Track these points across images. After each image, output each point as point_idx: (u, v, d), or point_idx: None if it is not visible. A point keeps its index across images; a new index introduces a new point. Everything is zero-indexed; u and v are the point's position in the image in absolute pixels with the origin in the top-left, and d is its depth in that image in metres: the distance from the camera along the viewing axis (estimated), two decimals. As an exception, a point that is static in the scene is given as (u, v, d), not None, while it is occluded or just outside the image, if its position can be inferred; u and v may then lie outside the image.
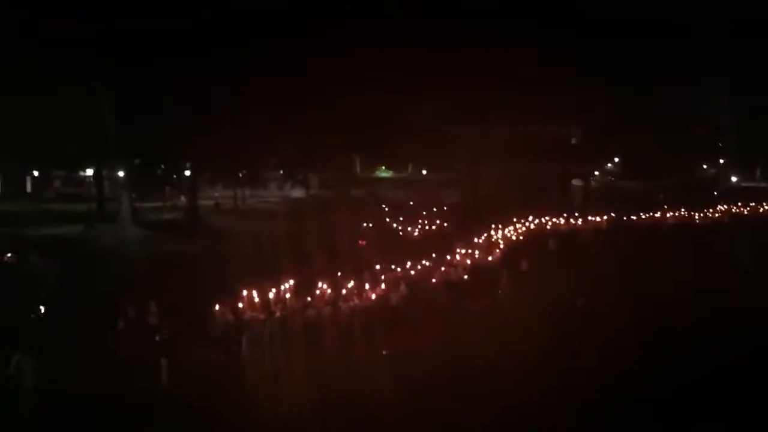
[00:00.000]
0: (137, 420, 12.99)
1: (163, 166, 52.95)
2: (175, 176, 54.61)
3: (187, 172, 50.82)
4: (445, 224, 41.96)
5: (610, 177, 72.26)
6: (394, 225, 41.67)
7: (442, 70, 51.77)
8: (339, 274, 20.35)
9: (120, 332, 16.25)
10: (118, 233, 40.25)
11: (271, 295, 17.86)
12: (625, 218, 44.64)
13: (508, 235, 34.88)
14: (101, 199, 48.10)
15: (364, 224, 39.94)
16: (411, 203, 51.82)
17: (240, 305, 17.06)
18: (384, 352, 16.84)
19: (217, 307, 16.70)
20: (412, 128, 53.67)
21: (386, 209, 47.55)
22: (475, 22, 52.49)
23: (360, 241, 34.61)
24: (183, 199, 52.55)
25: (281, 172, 62.91)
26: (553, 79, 51.43)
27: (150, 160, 48.66)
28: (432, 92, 52.35)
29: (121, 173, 45.50)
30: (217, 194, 59.19)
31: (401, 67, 50.11)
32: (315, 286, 18.95)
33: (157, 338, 15.62)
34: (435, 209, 47.68)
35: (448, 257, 25.80)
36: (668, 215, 47.44)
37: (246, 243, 32.10)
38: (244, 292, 17.39)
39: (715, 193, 63.30)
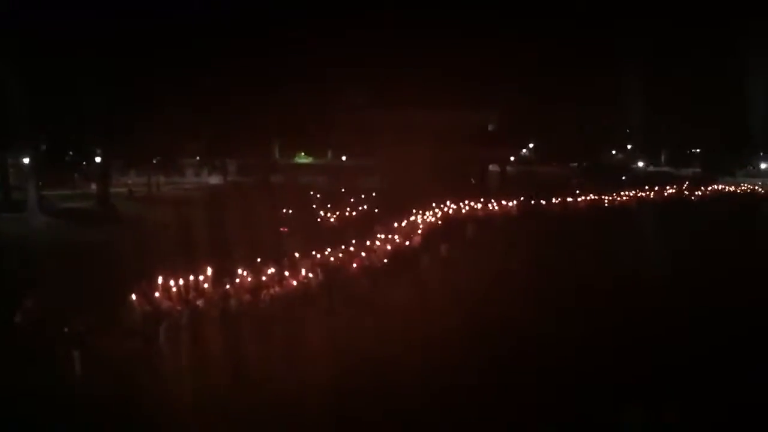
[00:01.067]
0: (46, 414, 12.53)
1: (71, 153, 50.86)
2: (84, 163, 52.58)
3: (98, 159, 49.00)
4: (366, 209, 41.95)
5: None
6: (319, 212, 41.14)
7: (360, 55, 51.81)
8: (258, 261, 20.13)
9: (20, 324, 15.56)
10: (25, 222, 38.62)
11: (185, 284, 17.52)
12: (535, 203, 46.02)
13: (427, 220, 35.31)
14: (6, 187, 45.87)
15: (285, 210, 39.48)
16: (342, 190, 50.79)
17: (156, 294, 16.65)
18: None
19: (133, 296, 16.25)
20: (332, 114, 53.54)
21: (317, 196, 46.71)
22: (393, 8, 52.72)
23: (282, 228, 34.21)
24: (94, 186, 50.71)
25: (198, 158, 61.57)
26: (470, 66, 52.34)
27: (57, 146, 46.66)
28: (351, 78, 52.38)
29: (26, 160, 43.52)
30: (130, 181, 57.41)
31: (320, 53, 49.84)
32: (233, 274, 18.70)
33: (66, 330, 15.05)
34: (362, 196, 47.43)
35: (368, 243, 25.89)
36: (579, 199, 49.21)
37: (160, 231, 31.30)
38: (160, 281, 16.98)
39: (623, 177, 66.05)
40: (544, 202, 46.64)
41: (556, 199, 47.71)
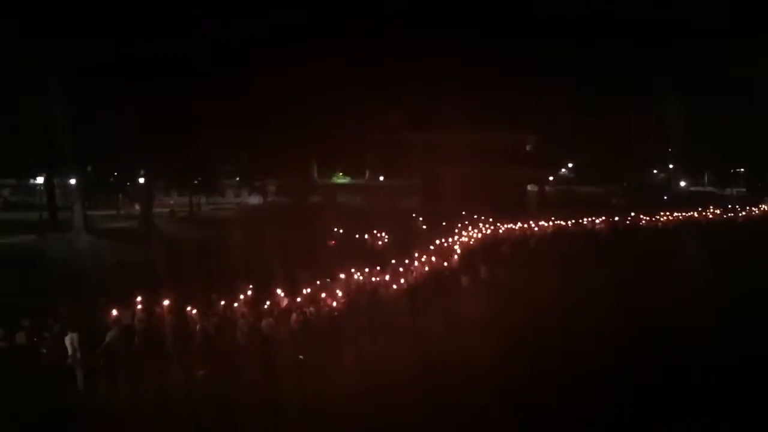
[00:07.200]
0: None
1: (116, 174, 51.99)
2: (128, 184, 53.64)
3: (141, 180, 49.97)
4: (406, 230, 41.67)
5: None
6: (360, 233, 40.78)
7: (400, 76, 52.17)
8: (295, 282, 20.33)
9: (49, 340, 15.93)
10: (71, 242, 39.39)
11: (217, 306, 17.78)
12: (573, 224, 45.48)
13: (466, 240, 35.24)
14: (53, 207, 46.86)
15: (334, 229, 39.55)
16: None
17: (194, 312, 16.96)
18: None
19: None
20: (370, 134, 53.85)
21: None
22: (432, 30, 53.02)
23: (330, 242, 34.77)
24: (137, 207, 51.66)
25: (237, 179, 62.42)
26: (508, 87, 52.27)
27: (103, 167, 47.75)
28: (390, 98, 52.69)
29: (73, 181, 44.53)
30: (172, 202, 58.38)
31: (359, 74, 50.31)
32: (271, 295, 18.87)
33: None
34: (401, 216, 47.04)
35: (407, 263, 25.90)
36: (616, 219, 48.46)
37: (202, 251, 31.69)
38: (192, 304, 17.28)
39: (665, 197, 64.87)
40: (582, 222, 46.12)
41: (594, 219, 47.12)
